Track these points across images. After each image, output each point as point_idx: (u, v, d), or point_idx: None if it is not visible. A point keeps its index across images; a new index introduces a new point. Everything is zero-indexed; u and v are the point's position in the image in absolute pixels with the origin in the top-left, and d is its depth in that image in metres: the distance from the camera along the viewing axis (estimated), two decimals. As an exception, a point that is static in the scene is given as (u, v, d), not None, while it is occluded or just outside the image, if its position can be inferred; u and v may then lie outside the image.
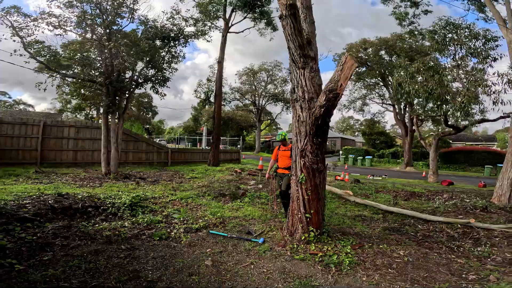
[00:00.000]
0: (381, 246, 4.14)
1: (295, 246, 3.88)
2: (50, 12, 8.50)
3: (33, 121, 11.45)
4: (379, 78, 20.94)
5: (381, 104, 24.23)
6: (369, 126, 31.25)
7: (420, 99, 9.77)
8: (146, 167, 13.50)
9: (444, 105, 9.37)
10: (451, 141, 31.43)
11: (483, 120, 11.73)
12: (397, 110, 22.02)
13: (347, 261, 3.43)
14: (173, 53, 9.94)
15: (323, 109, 3.39)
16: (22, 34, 8.25)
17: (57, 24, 8.47)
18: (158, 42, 9.30)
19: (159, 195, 7.09)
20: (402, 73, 9.99)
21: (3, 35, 8.01)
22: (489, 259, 3.81)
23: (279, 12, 4.09)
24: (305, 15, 4.77)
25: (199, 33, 11.10)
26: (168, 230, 4.50)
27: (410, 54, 15.21)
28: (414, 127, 18.97)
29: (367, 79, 22.06)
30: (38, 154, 11.27)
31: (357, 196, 8.39)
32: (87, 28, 8.74)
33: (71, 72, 8.99)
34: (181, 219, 5.09)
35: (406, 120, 20.83)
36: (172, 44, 9.62)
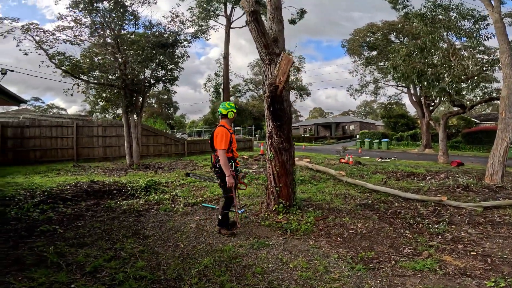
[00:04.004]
0: (344, 219, 4.67)
1: (266, 215, 4.78)
2: (66, 27, 9.77)
3: (67, 123, 13.23)
4: (391, 61, 20.59)
5: (396, 87, 23.75)
6: (385, 108, 30.61)
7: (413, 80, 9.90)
8: (165, 158, 15.01)
9: (436, 85, 9.42)
10: (478, 121, 29.89)
11: (491, 99, 11.52)
12: (412, 92, 21.54)
13: (303, 228, 4.16)
14: (178, 54, 11.03)
15: (269, 99, 4.21)
16: (45, 47, 9.49)
17: (72, 36, 9.78)
18: (161, 50, 10.34)
19: (172, 180, 8.30)
20: (394, 57, 10.15)
21: (29, 49, 9.38)
22: (439, 236, 3.96)
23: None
24: (274, 15, 5.42)
25: (199, 33, 11.97)
26: (172, 205, 5.60)
27: (417, 36, 14.90)
28: (424, 108, 18.64)
29: (380, 63, 21.72)
30: (74, 151, 13.04)
31: (353, 177, 8.99)
32: (100, 39, 9.97)
33: (92, 78, 10.40)
34: (184, 197, 6.20)
35: (423, 101, 20.38)
36: (172, 50, 10.64)
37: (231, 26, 16.28)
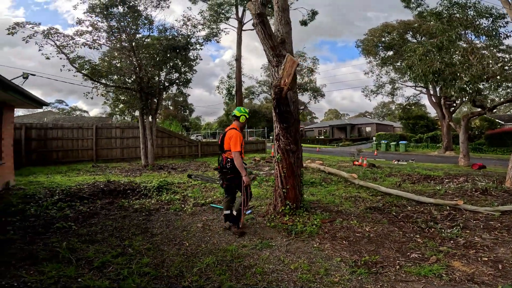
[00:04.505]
0: (351, 222, 4.59)
1: (272, 216, 4.78)
2: (85, 31, 10.19)
3: (87, 125, 13.83)
4: (408, 61, 19.98)
5: (414, 87, 22.98)
6: (403, 110, 29.62)
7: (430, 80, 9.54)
8: (179, 159, 15.33)
9: (455, 84, 9.00)
10: (503, 122, 28.36)
11: (516, 98, 10.91)
12: (431, 92, 20.77)
13: (309, 231, 4.12)
14: (191, 57, 11.26)
15: (275, 101, 4.22)
16: (66, 51, 9.92)
17: (91, 40, 10.21)
18: (173, 53, 10.59)
19: (184, 181, 8.47)
20: (410, 56, 9.80)
21: (51, 53, 9.83)
22: (451, 241, 3.80)
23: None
24: (281, 17, 5.43)
25: (210, 36, 12.11)
26: (182, 205, 5.73)
27: (435, 35, 14.36)
28: (444, 109, 17.93)
29: (397, 64, 21.11)
30: (93, 152, 13.60)
31: (365, 180, 8.81)
32: (117, 43, 10.35)
33: (111, 81, 10.82)
34: (194, 197, 6.32)
35: (442, 102, 19.63)
36: (184, 52, 10.88)
37: (243, 28, 16.39)
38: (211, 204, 5.68)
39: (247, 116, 4.30)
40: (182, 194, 6.69)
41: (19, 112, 26.12)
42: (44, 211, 5.01)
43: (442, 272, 2.89)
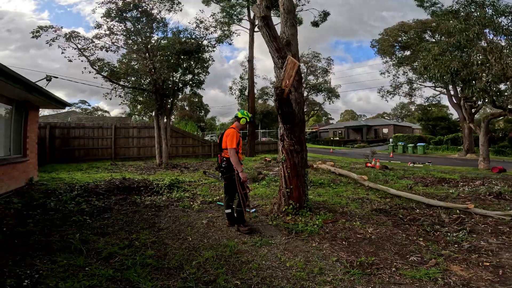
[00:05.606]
0: (354, 223, 4.58)
1: (275, 215, 4.88)
2: (103, 34, 10.65)
3: (107, 125, 14.49)
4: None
5: (433, 88, 22.17)
6: (423, 111, 28.61)
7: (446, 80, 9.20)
8: (192, 159, 15.71)
9: (474, 85, 8.63)
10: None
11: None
12: (451, 93, 19.98)
13: (309, 230, 4.18)
14: (204, 58, 11.53)
15: (276, 102, 4.31)
16: (87, 54, 10.45)
17: (110, 43, 10.68)
18: (185, 55, 10.90)
19: (195, 180, 8.73)
20: (425, 56, 9.49)
21: (73, 56, 10.40)
22: (456, 245, 3.76)
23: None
24: (286, 19, 5.51)
25: (223, 38, 12.33)
26: (191, 202, 5.94)
27: (454, 34, 13.78)
28: (463, 111, 17.20)
29: (414, 63, 20.49)
30: (112, 151, 14.22)
31: (376, 182, 8.69)
32: (133, 45, 10.77)
33: (128, 83, 11.29)
34: (203, 195, 6.53)
35: (462, 103, 18.84)
36: (197, 55, 11.15)
37: (255, 30, 16.52)
38: (217, 202, 5.86)
39: (248, 120, 4.44)
40: (192, 192, 6.92)
41: (44, 112, 27.57)
42: (63, 205, 5.36)
43: (438, 276, 2.87)
